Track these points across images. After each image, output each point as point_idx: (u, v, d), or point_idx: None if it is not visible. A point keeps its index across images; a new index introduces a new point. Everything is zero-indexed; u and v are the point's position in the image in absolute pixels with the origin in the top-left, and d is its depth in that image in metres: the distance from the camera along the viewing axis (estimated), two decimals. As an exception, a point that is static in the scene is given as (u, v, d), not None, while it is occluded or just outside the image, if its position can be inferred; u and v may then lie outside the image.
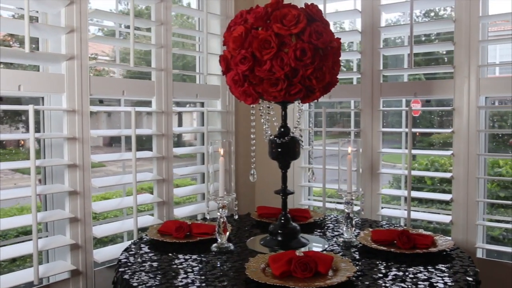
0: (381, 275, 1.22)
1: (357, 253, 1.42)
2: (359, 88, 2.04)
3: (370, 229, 1.59)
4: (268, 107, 1.47)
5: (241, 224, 1.80)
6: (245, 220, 1.86)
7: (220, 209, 1.44)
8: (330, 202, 2.26)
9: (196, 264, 1.31)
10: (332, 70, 1.39)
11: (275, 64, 1.29)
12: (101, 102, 1.86)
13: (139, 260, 1.36)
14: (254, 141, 1.50)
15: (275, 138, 1.47)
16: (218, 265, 1.31)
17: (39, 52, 1.51)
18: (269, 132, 1.49)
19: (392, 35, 2.18)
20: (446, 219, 1.88)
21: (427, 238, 1.47)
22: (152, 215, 1.92)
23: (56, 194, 1.65)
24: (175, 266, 1.30)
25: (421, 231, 1.56)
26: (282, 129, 1.50)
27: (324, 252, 1.40)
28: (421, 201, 2.30)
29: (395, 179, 2.70)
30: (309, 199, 2.35)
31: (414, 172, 1.93)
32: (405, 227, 1.65)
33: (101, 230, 1.70)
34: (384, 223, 1.78)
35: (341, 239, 1.53)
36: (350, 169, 1.51)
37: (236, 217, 1.48)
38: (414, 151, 1.90)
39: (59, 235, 1.63)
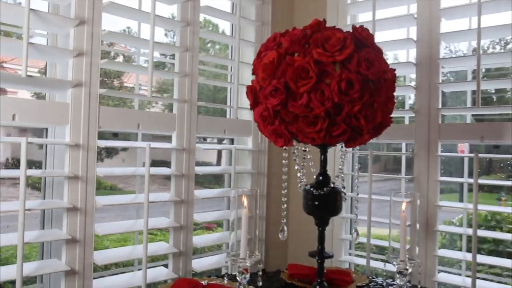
0: None
1: None
2: (413, 129, 1.75)
3: (428, 306, 1.27)
4: (304, 150, 1.21)
5: (268, 284, 1.52)
6: (273, 280, 1.57)
7: (240, 274, 1.17)
8: (376, 259, 1.93)
9: None
10: (385, 108, 1.12)
11: (313, 98, 1.04)
12: (115, 135, 1.65)
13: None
14: (285, 190, 1.23)
15: (312, 189, 1.20)
16: None
17: (37, 77, 1.31)
18: (305, 180, 1.22)
19: (452, 68, 1.88)
20: (521, 293, 1.53)
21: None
22: (167, 266, 1.67)
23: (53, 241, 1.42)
24: None
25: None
26: (321, 178, 1.22)
27: None
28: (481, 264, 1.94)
29: (447, 237, 2.35)
30: (350, 254, 2.03)
31: (482, 232, 1.60)
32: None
33: (104, 284, 1.45)
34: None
35: (391, 318, 1.21)
36: (405, 230, 1.20)
37: (260, 284, 1.20)
38: (480, 207, 1.57)
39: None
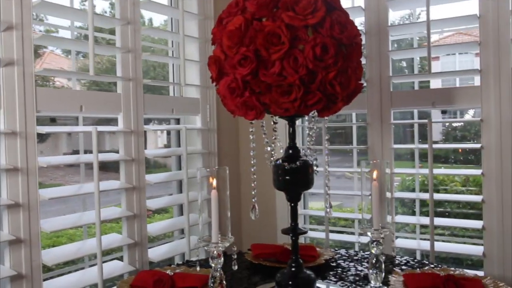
0: None
1: (393, 309, 1.10)
2: (365, 98, 1.74)
3: (399, 271, 1.27)
4: (275, 123, 1.14)
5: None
6: (238, 262, 1.50)
7: (215, 259, 1.09)
8: (333, 231, 1.93)
9: None
10: (356, 74, 1.08)
11: (286, 65, 0.97)
12: (53, 120, 1.49)
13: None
14: (254, 167, 1.16)
15: (283, 163, 1.14)
16: None
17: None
18: (275, 155, 1.15)
19: (401, 36, 1.89)
20: (477, 250, 1.58)
21: (477, 283, 1.16)
22: (121, 259, 1.55)
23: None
24: None
25: (465, 272, 1.25)
26: (291, 151, 1.16)
27: (355, 312, 1.07)
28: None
29: (399, 202, 2.42)
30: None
31: (438, 196, 1.64)
32: (447, 268, 1.34)
33: (55, 286, 1.31)
34: (407, 259, 1.46)
35: (368, 287, 1.20)
36: (378, 199, 1.18)
37: (236, 268, 1.14)
38: (436, 171, 1.60)
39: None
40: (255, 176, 1.16)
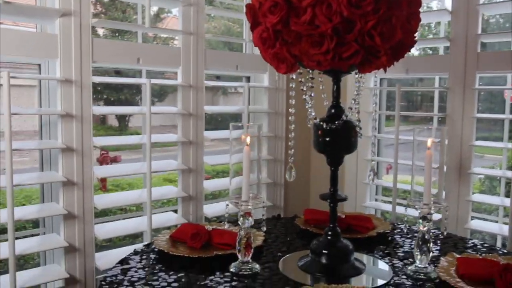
0: None
1: (434, 293, 0.98)
2: (447, 60, 1.54)
3: (456, 255, 1.13)
4: (312, 78, 1.05)
5: (281, 231, 1.41)
6: (288, 226, 1.46)
7: (242, 218, 1.06)
8: (401, 205, 1.79)
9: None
10: (406, 25, 0.94)
11: (318, 12, 0.87)
12: (118, 73, 1.54)
13: (133, 278, 1.01)
14: (293, 125, 1.09)
15: (322, 123, 1.05)
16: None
17: (15, 3, 1.18)
18: (313, 114, 1.07)
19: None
20: None
21: (544, 277, 0.99)
22: (176, 211, 1.58)
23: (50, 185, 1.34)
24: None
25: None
26: (333, 110, 1.07)
27: (385, 290, 0.97)
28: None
29: (486, 180, 2.16)
30: (376, 200, 1.89)
31: (521, 175, 1.42)
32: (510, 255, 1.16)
33: (106, 229, 1.38)
34: (475, 243, 1.30)
35: (412, 267, 1.08)
36: (430, 170, 1.05)
37: (264, 229, 1.09)
38: (523, 146, 1.38)
39: (52, 233, 1.33)
40: (293, 134, 1.08)
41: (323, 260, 1.09)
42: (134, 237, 2.07)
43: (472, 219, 1.56)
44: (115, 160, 3.62)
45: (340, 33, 0.88)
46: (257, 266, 1.08)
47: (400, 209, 1.67)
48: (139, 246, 1.29)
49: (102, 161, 3.50)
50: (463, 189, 1.53)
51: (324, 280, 1.04)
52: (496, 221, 1.61)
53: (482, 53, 1.48)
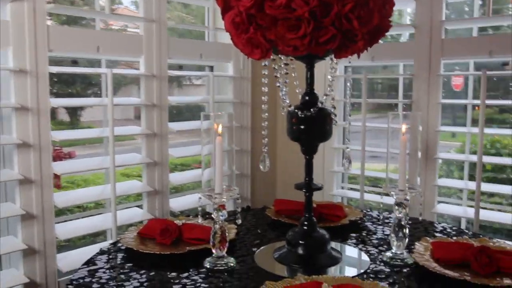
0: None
1: (412, 278, 0.97)
2: (412, 47, 1.55)
3: (429, 239, 1.13)
4: (286, 64, 1.01)
5: (253, 222, 1.38)
6: (258, 217, 1.43)
7: (216, 212, 1.01)
8: (371, 192, 1.80)
9: (176, 294, 0.89)
10: (382, 9, 0.92)
11: (295, -5, 0.84)
12: (75, 62, 1.45)
13: (102, 279, 0.95)
14: (266, 114, 1.06)
15: (297, 111, 1.02)
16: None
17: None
18: (288, 101, 1.04)
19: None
20: (528, 221, 1.40)
21: (516, 258, 1.00)
22: (140, 207, 1.52)
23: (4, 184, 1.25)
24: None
25: (507, 245, 1.09)
26: (307, 97, 1.04)
27: (371, 281, 0.96)
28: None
29: (444, 165, 2.22)
30: (342, 188, 1.90)
31: (488, 158, 1.45)
32: (480, 237, 1.18)
33: (67, 229, 1.30)
34: (444, 226, 1.31)
35: (388, 254, 1.08)
36: (404, 156, 1.04)
37: (239, 222, 1.05)
38: (488, 130, 1.41)
39: (9, 236, 1.24)
40: (266, 123, 1.05)
41: (300, 251, 1.07)
42: (95, 236, 1.98)
43: (438, 203, 1.58)
44: (69, 155, 3.47)
45: (317, 16, 0.85)
46: (233, 260, 1.04)
47: (368, 197, 1.67)
48: (105, 244, 1.22)
49: (56, 157, 3.35)
50: (430, 174, 1.55)
51: (302, 271, 1.02)
52: (460, 204, 1.64)
53: (446, 39, 1.49)
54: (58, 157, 3.51)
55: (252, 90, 1.77)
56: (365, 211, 1.47)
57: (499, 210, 1.54)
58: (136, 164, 1.46)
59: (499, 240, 1.15)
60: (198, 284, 0.93)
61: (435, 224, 1.35)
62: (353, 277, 0.95)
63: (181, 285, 0.93)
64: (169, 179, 1.52)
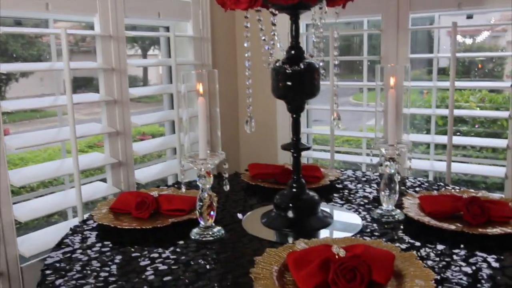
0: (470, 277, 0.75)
1: (409, 234, 0.95)
2: (380, 2, 1.51)
3: (415, 194, 1.13)
4: (274, 14, 0.93)
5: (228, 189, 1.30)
6: (233, 184, 1.36)
7: (202, 178, 0.94)
8: (339, 152, 1.78)
9: (167, 266, 0.82)
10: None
11: None
12: (18, 24, 1.29)
13: (82, 261, 0.85)
14: (249, 71, 0.98)
15: (284, 65, 0.95)
16: (207, 264, 0.82)
17: None
18: (274, 56, 0.96)
19: None
20: (498, 172, 1.43)
21: (504, 206, 1.01)
22: (105, 180, 1.41)
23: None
24: (133, 270, 0.81)
25: (489, 195, 1.11)
26: (293, 52, 0.97)
27: (371, 239, 0.93)
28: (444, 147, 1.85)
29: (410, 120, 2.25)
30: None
31: (459, 112, 1.46)
32: (466, 189, 1.18)
33: (27, 210, 1.17)
34: (421, 181, 1.32)
35: (378, 211, 1.05)
36: (394, 110, 1.01)
37: (227, 188, 0.98)
38: (459, 83, 1.41)
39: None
40: (250, 81, 0.97)
41: (290, 215, 1.02)
42: (49, 216, 1.84)
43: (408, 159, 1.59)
44: (5, 133, 3.20)
45: (312, -42, 0.77)
46: (222, 230, 0.97)
47: (339, 157, 1.65)
48: (73, 222, 1.11)
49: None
50: (398, 130, 1.54)
51: (292, 235, 0.98)
52: (428, 159, 1.66)
53: (414, -8, 1.46)
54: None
55: (213, 51, 1.68)
56: (341, 171, 1.44)
57: (467, 163, 1.57)
58: (96, 134, 1.34)
59: (481, 190, 1.16)
60: (190, 258, 0.86)
61: (411, 179, 1.35)
62: (352, 236, 0.91)
63: (172, 261, 0.86)
64: (133, 149, 1.42)
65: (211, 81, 0.93)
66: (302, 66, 0.93)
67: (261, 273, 0.75)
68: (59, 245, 0.95)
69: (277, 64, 0.95)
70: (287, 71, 0.94)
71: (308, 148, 1.04)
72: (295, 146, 1.02)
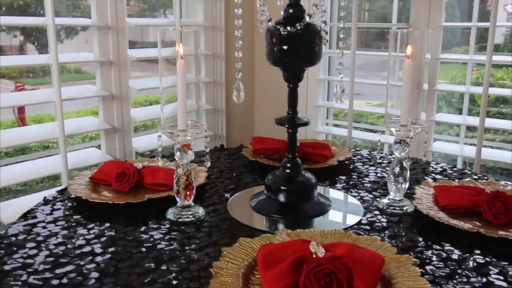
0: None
1: (414, 230, 0.82)
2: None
3: (431, 183, 0.98)
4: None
5: (226, 164, 1.20)
6: (234, 158, 1.25)
7: (179, 152, 0.83)
8: (358, 128, 1.63)
9: (128, 250, 0.72)
10: None
11: None
12: None
13: (39, 236, 0.77)
14: (240, 31, 0.84)
15: (278, 27, 0.81)
16: (174, 251, 0.71)
17: None
18: (267, 14, 0.82)
19: None
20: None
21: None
22: (99, 147, 1.32)
23: None
24: (90, 252, 0.71)
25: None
26: (291, 10, 0.83)
27: (364, 235, 0.80)
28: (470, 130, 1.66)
29: (445, 101, 2.06)
30: (327, 124, 1.72)
31: (493, 90, 1.28)
32: (494, 181, 1.03)
33: (12, 174, 1.11)
34: (444, 167, 1.16)
35: (385, 201, 0.92)
36: (409, 84, 0.86)
37: (208, 165, 0.87)
38: (497, 57, 1.23)
39: None
40: (240, 43, 0.84)
41: (281, 199, 0.90)
42: (55, 179, 1.80)
43: (434, 142, 1.43)
44: None
45: None
46: (201, 210, 0.87)
47: (356, 134, 1.50)
48: (51, 192, 1.03)
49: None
50: (427, 108, 1.38)
51: (284, 222, 0.86)
52: (457, 142, 1.49)
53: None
54: None
55: (226, 12, 1.54)
56: (354, 150, 1.30)
57: (502, 149, 1.39)
58: (89, 97, 1.24)
59: (507, 182, 1.00)
60: (156, 241, 0.76)
61: (433, 165, 1.19)
62: (345, 229, 0.79)
63: (136, 242, 0.76)
64: (131, 115, 1.32)
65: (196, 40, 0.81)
66: (299, 27, 0.79)
67: (225, 268, 0.64)
68: (24, 216, 0.87)
69: (270, 24, 0.82)
70: (282, 32, 0.80)
71: (306, 124, 0.90)
72: (291, 121, 0.89)
